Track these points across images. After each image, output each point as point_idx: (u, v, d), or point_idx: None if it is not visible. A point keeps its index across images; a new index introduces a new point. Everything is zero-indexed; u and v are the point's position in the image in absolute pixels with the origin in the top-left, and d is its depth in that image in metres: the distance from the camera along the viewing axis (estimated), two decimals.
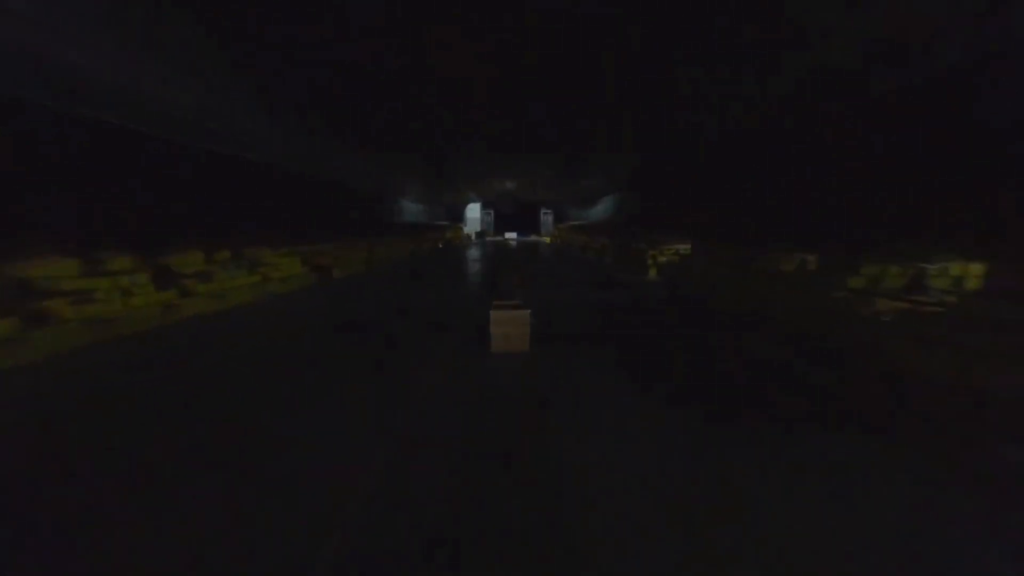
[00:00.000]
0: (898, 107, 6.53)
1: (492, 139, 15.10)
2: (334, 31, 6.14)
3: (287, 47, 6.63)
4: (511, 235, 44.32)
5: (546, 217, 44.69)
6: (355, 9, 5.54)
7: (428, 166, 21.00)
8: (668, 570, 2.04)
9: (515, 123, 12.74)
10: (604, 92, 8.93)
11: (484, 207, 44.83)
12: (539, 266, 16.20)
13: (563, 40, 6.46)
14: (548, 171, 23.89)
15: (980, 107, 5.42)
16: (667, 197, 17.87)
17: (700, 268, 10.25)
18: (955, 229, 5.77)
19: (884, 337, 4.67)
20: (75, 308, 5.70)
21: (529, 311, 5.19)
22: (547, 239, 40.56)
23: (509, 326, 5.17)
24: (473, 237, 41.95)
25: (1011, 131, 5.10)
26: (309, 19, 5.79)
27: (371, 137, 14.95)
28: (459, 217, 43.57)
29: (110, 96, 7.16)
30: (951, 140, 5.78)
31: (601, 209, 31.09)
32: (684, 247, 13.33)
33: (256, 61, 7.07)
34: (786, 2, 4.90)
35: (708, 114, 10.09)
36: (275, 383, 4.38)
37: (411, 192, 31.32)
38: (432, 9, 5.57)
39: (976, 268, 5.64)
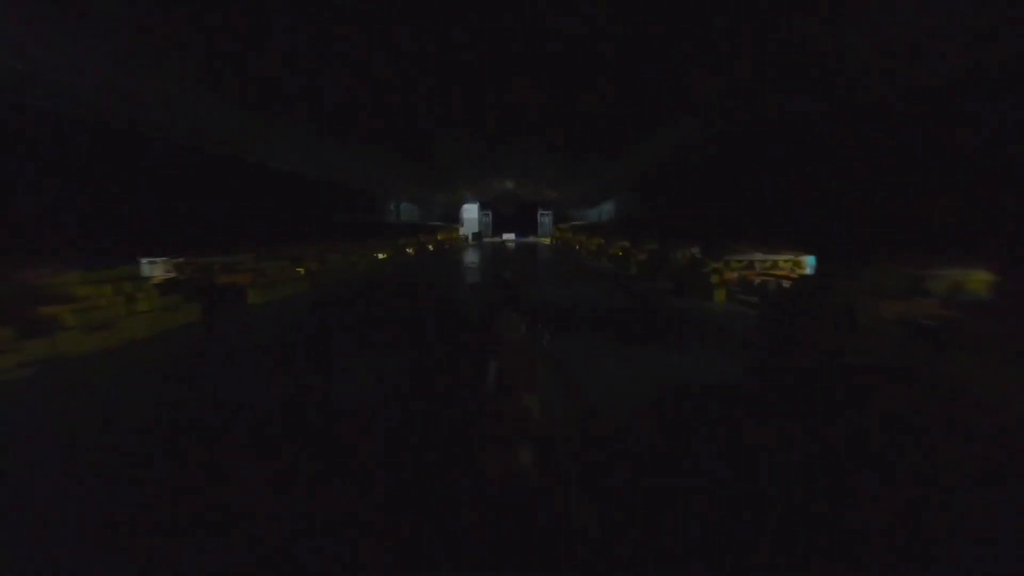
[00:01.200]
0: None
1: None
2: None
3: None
4: (509, 236, 39.30)
5: (544, 218, 39.62)
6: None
7: (424, 164, 16.58)
8: None
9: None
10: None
11: (482, 207, 39.65)
12: (548, 286, 11.20)
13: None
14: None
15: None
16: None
17: (855, 305, 5.17)
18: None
19: None
20: None
21: None
22: (546, 240, 35.80)
23: None
24: (470, 238, 36.88)
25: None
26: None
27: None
28: (455, 217, 38.40)
29: None
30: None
31: (607, 209, 26.09)
32: (771, 259, 8.32)
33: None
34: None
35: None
36: None
37: (403, 191, 26.38)
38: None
39: None
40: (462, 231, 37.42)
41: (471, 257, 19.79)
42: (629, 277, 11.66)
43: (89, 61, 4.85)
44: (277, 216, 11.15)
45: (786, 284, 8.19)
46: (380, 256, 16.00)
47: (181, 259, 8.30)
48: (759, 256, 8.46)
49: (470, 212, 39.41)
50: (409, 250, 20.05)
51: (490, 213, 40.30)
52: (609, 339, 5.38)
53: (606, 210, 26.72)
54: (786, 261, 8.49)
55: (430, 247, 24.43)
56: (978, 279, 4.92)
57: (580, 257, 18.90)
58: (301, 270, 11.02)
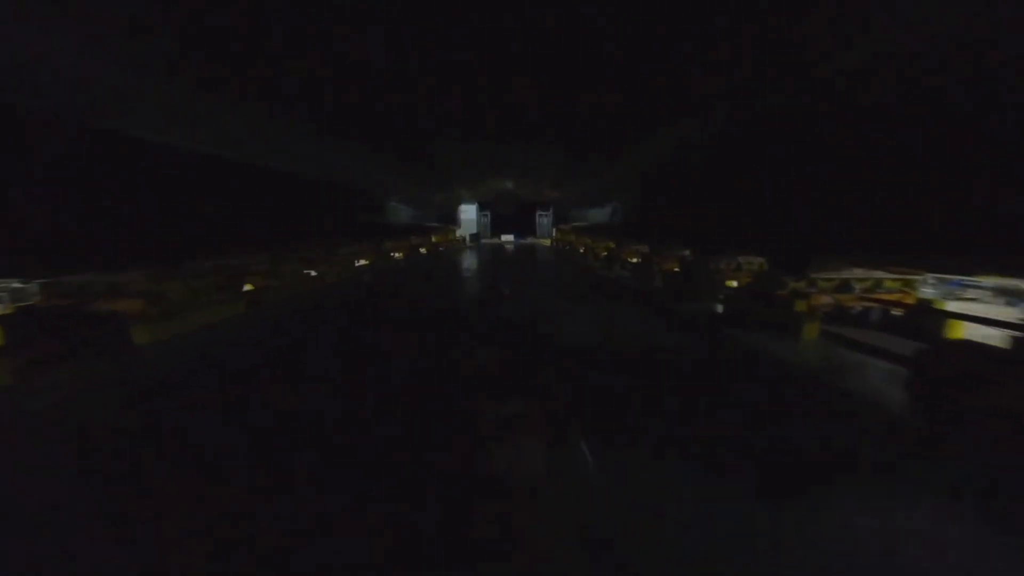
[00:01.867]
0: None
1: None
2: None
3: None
4: (508, 238, 36.62)
5: (542, 219, 36.83)
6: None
7: (422, 164, 14.23)
8: None
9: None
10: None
11: (481, 208, 36.89)
12: (560, 308, 8.58)
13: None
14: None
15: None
16: (712, 192, 10.26)
17: None
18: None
19: None
20: None
21: None
22: (545, 242, 33.20)
23: None
24: (467, 240, 34.20)
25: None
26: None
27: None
28: (453, 218, 35.60)
29: None
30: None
31: (614, 208, 23.43)
32: (872, 278, 5.72)
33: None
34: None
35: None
36: None
37: (396, 190, 23.80)
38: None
39: None
40: (460, 232, 34.67)
41: (467, 262, 17.12)
42: (659, 294, 9.01)
43: None
44: (223, 217, 8.35)
45: (896, 312, 5.59)
46: (359, 263, 13.31)
47: (44, 280, 5.62)
48: (858, 273, 5.83)
49: (468, 213, 36.63)
50: (397, 254, 17.37)
51: (489, 214, 37.55)
52: (698, 461, 2.71)
53: (613, 209, 23.92)
54: (894, 281, 5.87)
55: (422, 250, 21.76)
56: None
57: (588, 263, 16.24)
58: (250, 286, 8.37)
